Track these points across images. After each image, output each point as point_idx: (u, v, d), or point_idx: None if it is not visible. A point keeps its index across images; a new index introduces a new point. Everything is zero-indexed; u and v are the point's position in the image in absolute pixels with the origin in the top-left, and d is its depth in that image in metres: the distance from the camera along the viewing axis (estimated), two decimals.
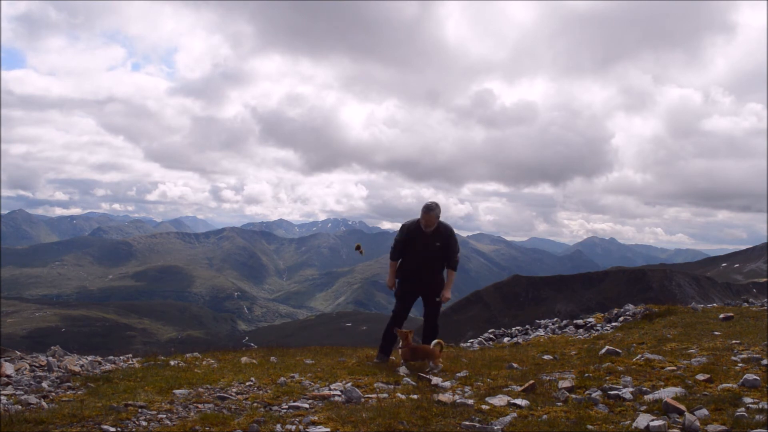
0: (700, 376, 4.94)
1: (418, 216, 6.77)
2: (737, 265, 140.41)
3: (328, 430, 3.75)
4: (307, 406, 4.45)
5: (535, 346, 8.90)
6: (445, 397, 4.48)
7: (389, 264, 7.05)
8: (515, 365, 6.32)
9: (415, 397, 4.67)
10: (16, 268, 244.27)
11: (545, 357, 7.15)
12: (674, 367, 5.50)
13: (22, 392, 4.79)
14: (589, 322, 11.14)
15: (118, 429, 3.78)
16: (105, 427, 3.76)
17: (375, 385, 5.29)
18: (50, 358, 6.25)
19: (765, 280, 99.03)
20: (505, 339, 11.32)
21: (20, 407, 4.21)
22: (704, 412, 3.91)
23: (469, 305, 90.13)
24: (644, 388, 4.65)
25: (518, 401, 4.40)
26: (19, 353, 6.41)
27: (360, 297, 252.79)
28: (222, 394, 4.81)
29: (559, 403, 4.40)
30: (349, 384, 5.19)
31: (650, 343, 7.43)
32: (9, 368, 5.45)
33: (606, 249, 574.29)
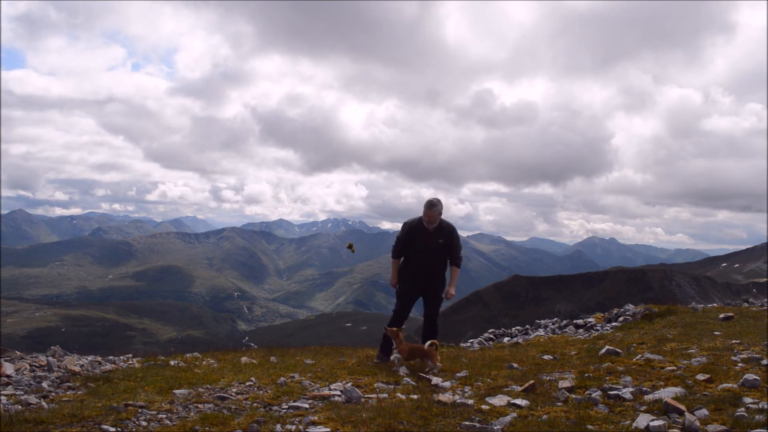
0: (700, 376, 4.94)
1: (420, 214, 6.76)
2: (737, 265, 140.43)
3: (328, 430, 3.75)
4: (307, 406, 4.45)
5: (535, 346, 8.90)
6: (445, 397, 4.48)
7: (392, 262, 7.00)
8: (515, 365, 6.32)
9: (415, 397, 4.67)
10: (16, 268, 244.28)
11: (545, 357, 7.15)
12: (674, 367, 5.50)
13: (22, 392, 4.79)
14: (589, 322, 11.14)
15: (118, 429, 3.78)
16: (105, 427, 3.76)
17: (375, 385, 5.29)
18: (50, 358, 6.25)
19: (765, 280, 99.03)
20: (505, 339, 11.33)
21: (20, 407, 4.21)
22: (704, 412, 3.91)
23: (469, 305, 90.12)
24: (644, 388, 4.65)
25: (518, 401, 4.40)
26: (19, 353, 6.41)
27: (360, 297, 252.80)
28: (222, 394, 4.81)
29: (559, 403, 4.40)
30: (349, 384, 5.19)
31: (650, 343, 7.43)
32: (9, 368, 5.45)
33: (606, 249, 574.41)
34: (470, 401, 4.40)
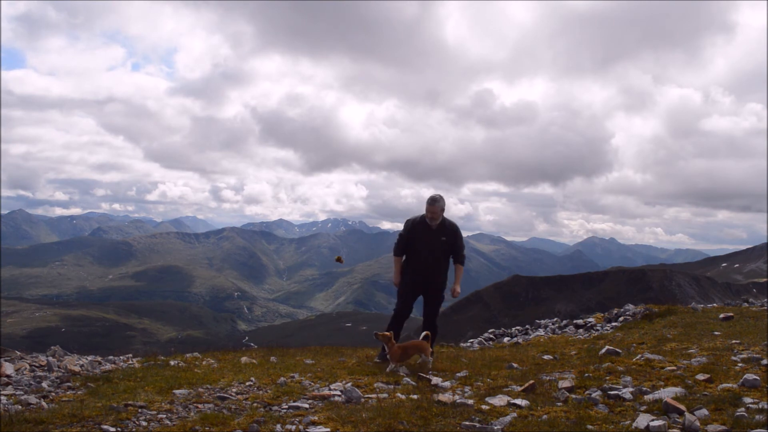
0: (700, 376, 4.94)
1: (420, 213, 6.75)
2: (737, 265, 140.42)
3: (328, 430, 3.75)
4: (307, 406, 4.45)
5: (535, 346, 8.90)
6: (445, 397, 4.48)
7: (394, 260, 6.96)
8: (515, 365, 6.31)
9: (415, 397, 4.67)
10: (16, 268, 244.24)
11: (545, 357, 7.15)
12: (674, 367, 5.50)
13: (22, 392, 4.79)
14: (589, 322, 11.14)
15: (118, 429, 3.78)
16: (105, 427, 3.76)
17: (375, 385, 5.29)
18: (50, 358, 6.25)
19: (765, 280, 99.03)
20: (505, 339, 11.32)
21: (20, 407, 4.21)
22: (704, 412, 3.91)
23: (469, 305, 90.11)
24: (644, 388, 4.65)
25: (518, 401, 4.40)
26: (19, 353, 6.40)
27: (360, 297, 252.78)
28: (222, 394, 4.81)
29: (559, 403, 4.40)
30: (349, 384, 5.18)
31: (650, 343, 7.43)
32: (9, 368, 5.45)
33: (606, 249, 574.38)
34: (470, 401, 4.40)
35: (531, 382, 4.95)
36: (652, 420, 3.70)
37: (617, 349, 6.70)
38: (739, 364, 5.48)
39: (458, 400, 4.40)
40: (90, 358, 7.04)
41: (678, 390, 4.56)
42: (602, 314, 11.75)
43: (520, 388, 4.90)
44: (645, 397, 4.44)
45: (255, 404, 4.53)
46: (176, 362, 6.75)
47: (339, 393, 4.83)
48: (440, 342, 9.63)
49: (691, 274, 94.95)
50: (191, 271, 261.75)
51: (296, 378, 5.68)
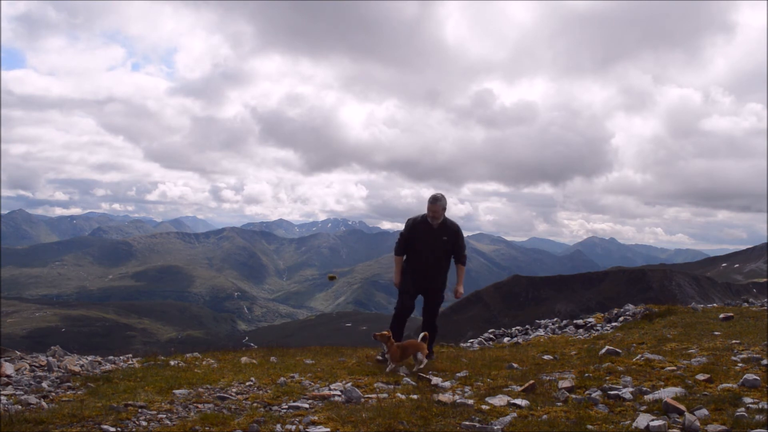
0: (700, 376, 4.94)
1: (421, 213, 6.74)
2: (737, 265, 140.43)
3: (328, 430, 3.75)
4: (307, 406, 4.45)
5: (535, 346, 8.89)
6: (445, 397, 4.48)
7: (394, 260, 6.94)
8: (515, 365, 6.31)
9: (415, 397, 4.67)
10: (16, 268, 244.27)
11: (545, 357, 7.15)
12: (674, 367, 5.50)
13: (22, 392, 4.79)
14: (589, 322, 11.14)
15: (118, 429, 3.78)
16: (105, 427, 3.76)
17: (375, 385, 5.29)
18: (50, 358, 6.24)
19: (765, 280, 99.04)
20: (505, 339, 11.32)
21: (20, 407, 4.21)
22: (704, 412, 3.91)
23: (469, 305, 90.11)
24: (644, 388, 4.65)
25: (518, 401, 4.40)
26: (19, 353, 6.40)
27: (360, 297, 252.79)
28: (222, 394, 4.81)
29: (559, 403, 4.40)
30: (349, 384, 5.18)
31: (650, 343, 7.43)
32: (9, 368, 5.45)
33: (606, 249, 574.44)
34: (470, 401, 4.40)
35: (531, 382, 4.95)
36: (652, 420, 3.70)
37: (617, 349, 6.70)
38: (739, 364, 5.48)
39: (458, 400, 4.40)
40: (90, 358, 7.03)
41: (678, 390, 4.56)
42: (602, 314, 11.75)
43: (520, 388, 4.90)
44: (645, 397, 4.44)
45: (255, 404, 4.53)
46: (176, 362, 6.75)
47: (339, 393, 4.83)
48: (440, 342, 9.63)
49: (691, 274, 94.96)
50: (191, 271, 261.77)
51: (296, 378, 5.68)
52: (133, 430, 3.80)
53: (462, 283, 6.86)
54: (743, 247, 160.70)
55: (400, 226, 7.01)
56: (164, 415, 4.13)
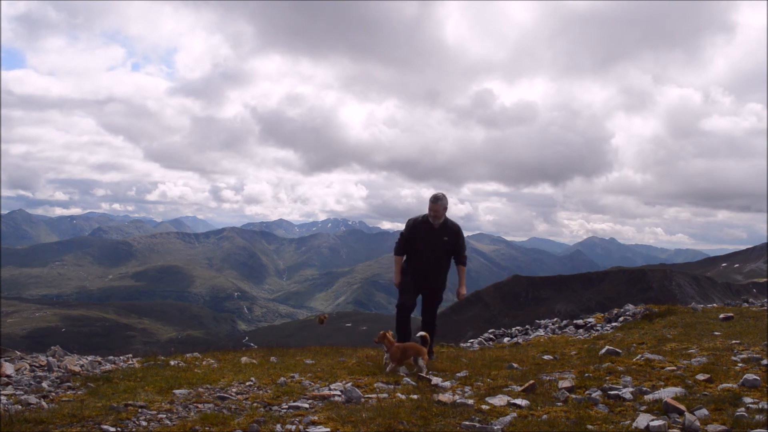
0: (700, 376, 4.94)
1: (422, 213, 6.73)
2: (737, 265, 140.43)
3: (328, 430, 3.75)
4: (307, 406, 4.45)
5: (535, 346, 8.89)
6: (445, 397, 4.48)
7: (394, 260, 6.93)
8: (515, 365, 6.31)
9: (415, 397, 4.67)
10: (16, 268, 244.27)
11: (545, 357, 7.15)
12: (674, 367, 5.50)
13: (22, 392, 4.79)
14: (589, 322, 11.14)
15: (118, 429, 3.78)
16: (105, 427, 3.76)
17: (375, 385, 5.29)
18: (50, 358, 6.25)
19: (765, 280, 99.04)
20: (505, 339, 11.32)
21: (20, 407, 4.21)
22: (704, 412, 3.91)
23: (469, 305, 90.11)
24: (644, 388, 4.65)
25: (518, 401, 4.39)
26: (19, 353, 6.40)
27: (360, 297, 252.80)
28: (222, 394, 4.81)
29: (559, 403, 4.40)
30: (349, 384, 5.18)
31: (650, 343, 7.43)
32: (9, 368, 5.45)
33: (606, 249, 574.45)
34: (470, 401, 4.40)
35: (531, 382, 4.95)
36: (652, 420, 3.70)
37: (617, 349, 6.70)
38: (739, 364, 5.48)
39: (458, 400, 4.40)
40: (90, 358, 7.04)
41: (678, 390, 4.56)
42: (602, 314, 11.74)
43: (520, 388, 4.90)
44: (645, 397, 4.44)
45: (255, 404, 4.53)
46: (176, 362, 6.75)
47: (339, 393, 4.83)
48: (440, 342, 9.63)
49: (691, 274, 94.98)
50: (191, 271, 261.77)
51: (296, 378, 5.68)
52: (133, 430, 3.80)
53: (464, 285, 6.85)
54: (743, 247, 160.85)
55: (400, 226, 7.01)
56: (164, 415, 4.13)
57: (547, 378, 5.49)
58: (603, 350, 6.71)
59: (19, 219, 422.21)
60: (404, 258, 6.95)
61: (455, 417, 4.01)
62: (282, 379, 5.56)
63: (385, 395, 4.81)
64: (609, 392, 4.56)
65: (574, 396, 4.53)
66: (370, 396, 4.77)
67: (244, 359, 7.01)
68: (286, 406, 4.45)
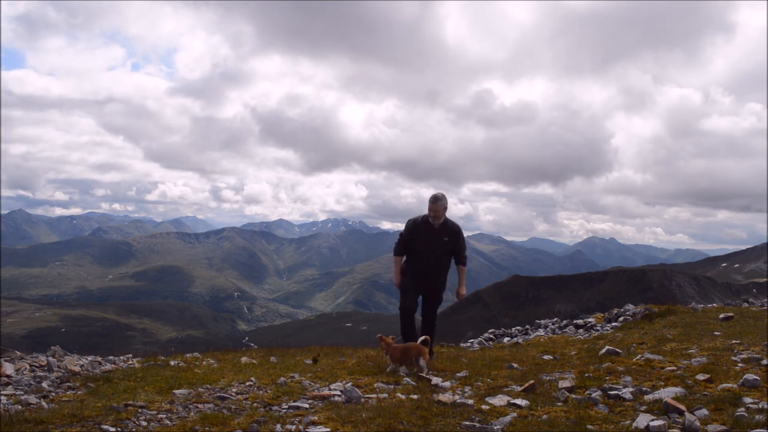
0: (700, 376, 4.94)
1: (422, 213, 6.73)
2: (737, 265, 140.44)
3: (328, 430, 3.75)
4: (307, 406, 4.45)
5: (535, 346, 8.90)
6: (445, 397, 4.48)
7: (394, 260, 6.91)
8: (515, 365, 6.31)
9: (415, 397, 4.67)
10: (16, 268, 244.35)
11: (545, 357, 7.15)
12: (674, 367, 5.50)
13: (22, 392, 4.79)
14: (589, 322, 11.14)
15: (118, 429, 3.78)
16: (105, 427, 3.76)
17: (375, 385, 5.29)
18: (50, 358, 6.25)
19: (765, 280, 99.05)
20: (505, 339, 11.32)
21: (20, 407, 4.21)
22: (704, 412, 3.91)
23: (469, 305, 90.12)
24: (644, 388, 4.65)
25: (518, 401, 4.39)
26: (19, 353, 6.41)
27: (360, 297, 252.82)
28: (222, 394, 4.81)
29: (559, 403, 4.40)
30: (349, 384, 5.18)
31: (650, 343, 7.43)
32: (9, 368, 5.45)
33: (606, 249, 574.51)
34: (470, 401, 4.40)
35: (531, 382, 4.95)
36: (652, 420, 3.70)
37: (617, 349, 6.70)
38: (739, 364, 5.48)
39: (458, 400, 4.40)
40: (90, 358, 7.04)
41: (678, 390, 4.56)
42: (602, 314, 11.75)
43: (520, 388, 4.90)
44: (645, 397, 4.44)
45: (255, 404, 4.53)
46: (176, 362, 6.75)
47: (339, 393, 4.83)
48: (440, 342, 9.63)
49: (691, 274, 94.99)
50: (191, 271, 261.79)
51: (296, 378, 5.68)
52: (133, 430, 3.80)
53: (464, 285, 6.84)
54: (743, 247, 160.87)
55: (400, 226, 7.01)
56: (164, 415, 4.13)
57: (547, 378, 5.49)
58: (603, 350, 6.71)
59: (19, 219, 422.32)
60: (404, 258, 6.94)
61: (455, 417, 4.01)
62: (282, 379, 5.56)
63: (385, 395, 4.81)
64: (609, 392, 4.56)
65: (574, 396, 4.53)
66: (370, 396, 4.77)
67: (244, 359, 7.01)
68: (286, 406, 4.45)
